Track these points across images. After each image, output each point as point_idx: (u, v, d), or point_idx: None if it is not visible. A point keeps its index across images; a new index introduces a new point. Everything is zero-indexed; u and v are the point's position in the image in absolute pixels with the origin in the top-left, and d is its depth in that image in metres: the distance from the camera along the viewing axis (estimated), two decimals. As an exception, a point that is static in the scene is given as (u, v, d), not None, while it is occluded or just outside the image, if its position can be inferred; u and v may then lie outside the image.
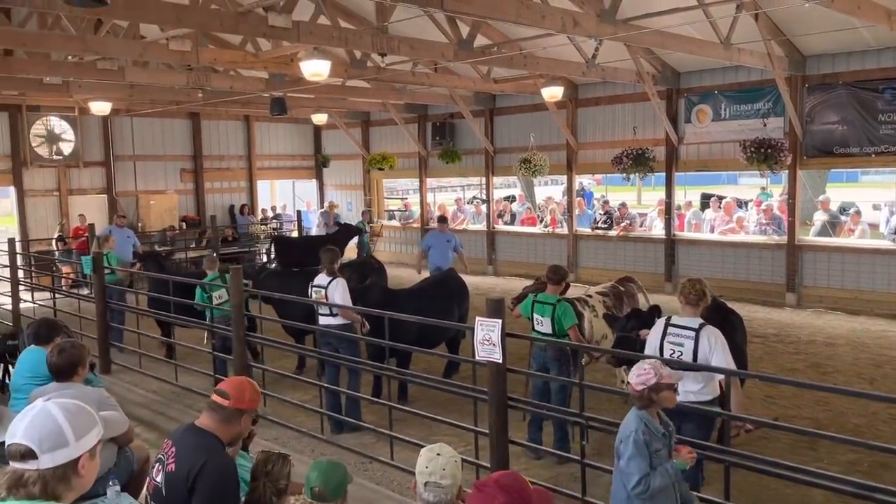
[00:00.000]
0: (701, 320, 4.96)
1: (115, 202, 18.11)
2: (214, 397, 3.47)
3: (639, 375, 3.82)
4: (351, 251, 16.94)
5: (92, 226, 15.02)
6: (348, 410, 7.08)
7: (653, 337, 5.09)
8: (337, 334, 7.17)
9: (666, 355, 4.92)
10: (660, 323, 5.11)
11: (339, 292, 7.25)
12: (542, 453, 6.16)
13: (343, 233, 15.98)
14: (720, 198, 16.17)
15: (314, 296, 7.41)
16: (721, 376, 4.78)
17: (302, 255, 15.00)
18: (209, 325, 8.57)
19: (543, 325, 6.46)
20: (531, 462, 6.25)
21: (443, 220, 13.40)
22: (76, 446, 2.27)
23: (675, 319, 5.02)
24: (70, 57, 11.64)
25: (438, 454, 3.07)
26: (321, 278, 7.44)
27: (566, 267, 15.56)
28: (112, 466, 4.45)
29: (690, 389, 4.86)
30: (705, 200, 17.65)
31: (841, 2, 7.90)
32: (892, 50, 11.54)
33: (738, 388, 4.79)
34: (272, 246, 16.63)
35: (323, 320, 7.33)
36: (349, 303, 7.28)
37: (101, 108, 14.48)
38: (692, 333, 4.85)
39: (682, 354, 4.86)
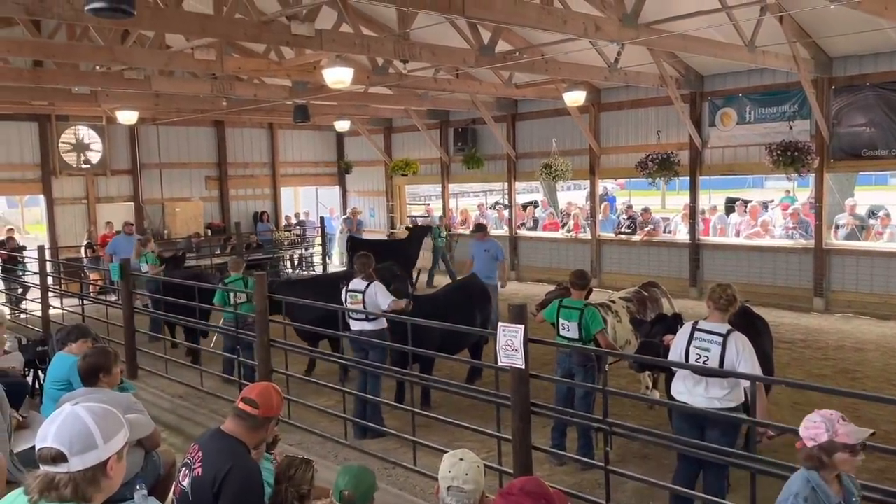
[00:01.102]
0: (729, 326, 4.90)
1: (141, 209, 18.37)
2: (242, 405, 3.48)
3: (807, 429, 3.13)
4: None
5: (118, 233, 15.25)
6: (371, 416, 7.10)
7: (679, 341, 5.04)
8: (370, 341, 7.15)
9: (692, 360, 4.87)
10: (687, 327, 5.06)
11: (381, 294, 7.18)
12: (566, 459, 6.13)
13: (416, 234, 15.94)
14: (746, 202, 15.99)
15: (349, 300, 7.31)
16: (747, 383, 4.72)
17: (376, 256, 15.18)
18: (227, 329, 8.62)
19: (570, 330, 6.42)
20: (554, 468, 6.22)
21: (480, 228, 12.10)
22: (105, 448, 2.31)
23: (702, 324, 4.97)
24: (98, 67, 11.85)
25: (461, 459, 3.08)
26: (357, 283, 7.32)
27: (590, 272, 15.55)
28: (139, 470, 4.51)
29: (715, 395, 4.81)
30: (730, 204, 17.44)
31: (868, 3, 7.78)
32: (921, 50, 11.36)
33: (762, 395, 4.73)
34: (348, 246, 16.69)
35: (356, 325, 7.27)
36: (392, 302, 7.23)
37: (127, 117, 14.71)
38: (719, 339, 4.80)
39: (707, 360, 4.80)
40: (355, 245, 16.29)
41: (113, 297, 12.26)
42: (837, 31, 11.16)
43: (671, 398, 5.30)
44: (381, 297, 7.18)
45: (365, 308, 7.17)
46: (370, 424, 6.95)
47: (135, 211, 18.29)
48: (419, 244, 15.69)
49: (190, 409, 8.19)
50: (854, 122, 12.21)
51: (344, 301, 7.42)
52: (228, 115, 17.71)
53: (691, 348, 4.90)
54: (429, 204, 23.97)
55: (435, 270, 17.34)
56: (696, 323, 5.03)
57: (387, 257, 14.92)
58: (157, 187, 18.88)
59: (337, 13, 10.07)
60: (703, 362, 4.82)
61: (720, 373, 4.75)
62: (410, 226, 17.93)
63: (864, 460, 6.15)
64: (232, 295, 8.74)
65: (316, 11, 8.88)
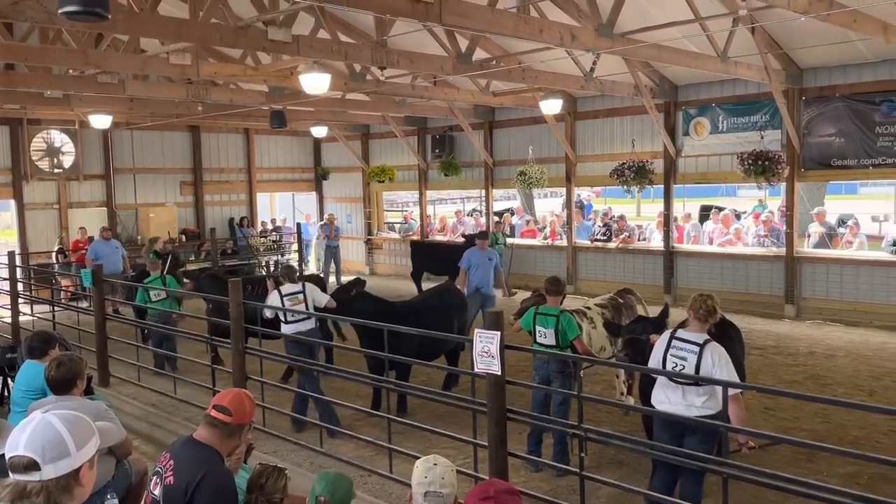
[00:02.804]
0: (706, 336, 4.94)
1: (114, 215, 18.15)
2: (214, 413, 3.43)
3: None
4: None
5: (91, 238, 15.06)
6: (324, 416, 7.17)
7: (657, 349, 5.09)
8: (305, 340, 7.49)
9: (668, 368, 4.92)
10: (665, 335, 5.11)
11: (318, 293, 7.83)
12: (541, 465, 6.16)
13: (469, 242, 15.57)
14: (719, 209, 16.21)
15: (289, 302, 7.68)
16: (731, 393, 4.77)
17: (436, 260, 15.17)
18: (207, 338, 8.58)
19: (546, 336, 6.44)
20: (530, 474, 6.24)
21: (483, 235, 11.77)
22: (77, 456, 2.29)
23: (680, 333, 5.02)
24: (71, 71, 11.71)
25: (435, 464, 3.09)
26: (290, 286, 7.77)
27: (566, 279, 15.61)
28: (110, 479, 4.44)
29: (693, 403, 4.85)
30: (704, 213, 17.67)
31: (837, 15, 7.96)
32: (889, 63, 11.61)
33: (740, 402, 4.77)
34: (411, 250, 16.55)
35: (290, 328, 7.65)
36: (329, 299, 7.94)
37: (101, 121, 14.54)
38: (696, 348, 4.84)
39: (684, 368, 4.84)
40: (418, 248, 16.43)
41: (85, 304, 12.09)
42: (808, 43, 11.38)
43: (647, 405, 5.35)
44: (318, 295, 7.80)
45: (307, 308, 7.67)
46: (337, 428, 6.99)
47: (108, 216, 18.06)
48: None
49: (162, 417, 8.09)
50: (824, 133, 12.44)
51: (282, 304, 7.66)
52: (204, 120, 17.57)
53: (668, 356, 4.94)
54: (406, 211, 23.97)
55: None
56: (674, 331, 5.08)
57: (445, 261, 14.68)
58: (131, 192, 18.67)
59: (314, 19, 10.07)
60: (680, 370, 4.86)
61: (695, 378, 4.79)
62: (464, 233, 17.22)
63: (834, 465, 6.26)
64: (153, 294, 9.80)
65: (293, 17, 8.86)
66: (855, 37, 10.19)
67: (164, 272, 10.28)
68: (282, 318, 7.79)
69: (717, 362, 4.78)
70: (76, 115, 15.93)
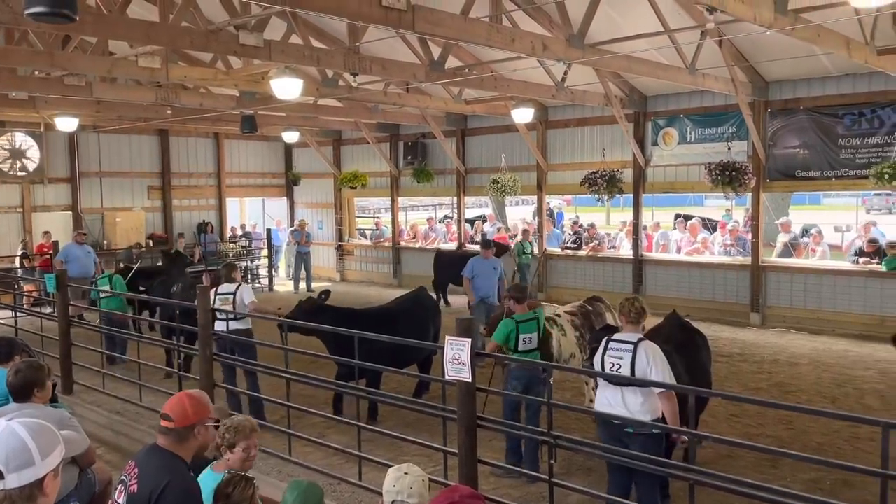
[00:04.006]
0: (640, 335, 5.06)
1: (80, 219, 17.83)
2: (162, 422, 3.42)
3: None
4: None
5: (56, 243, 14.78)
6: (253, 410, 7.39)
7: (597, 353, 5.19)
8: (239, 339, 7.73)
9: (606, 369, 5.00)
10: (603, 340, 5.21)
11: (247, 294, 8.17)
12: (511, 472, 6.16)
13: (498, 253, 14.75)
14: (686, 218, 16.43)
15: (219, 302, 7.96)
16: (659, 391, 4.87)
17: (460, 270, 14.64)
18: (174, 344, 8.47)
19: (531, 342, 6.54)
20: (500, 481, 6.24)
21: (487, 244, 11.33)
22: (42, 465, 2.24)
23: (616, 335, 5.14)
24: (37, 72, 11.50)
25: (406, 473, 3.09)
26: (226, 287, 8.15)
27: (537, 286, 15.70)
28: (73, 489, 4.36)
29: (633, 408, 4.93)
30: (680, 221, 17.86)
31: (801, 30, 8.13)
32: (851, 77, 11.90)
33: (672, 400, 4.87)
34: (434, 261, 15.79)
35: (222, 325, 7.86)
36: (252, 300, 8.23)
37: (67, 123, 14.30)
38: (630, 347, 4.95)
39: (620, 368, 4.95)
40: (442, 259, 15.93)
41: (48, 310, 11.85)
42: (773, 57, 11.62)
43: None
44: (246, 296, 8.15)
45: (234, 309, 7.98)
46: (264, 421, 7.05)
47: (73, 220, 17.74)
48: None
49: (128, 425, 7.95)
50: (788, 144, 12.70)
51: (213, 303, 7.87)
52: (173, 124, 17.34)
53: (605, 358, 5.05)
54: (377, 217, 23.92)
55: None
56: (611, 335, 5.18)
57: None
58: (97, 196, 18.36)
59: (286, 24, 10.03)
60: (617, 371, 4.95)
61: (638, 381, 4.87)
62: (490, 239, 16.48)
63: (798, 471, 6.37)
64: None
65: (265, 22, 8.81)
66: (819, 51, 10.44)
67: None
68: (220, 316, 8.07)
69: (651, 359, 4.89)
70: (41, 118, 15.63)
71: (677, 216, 18.86)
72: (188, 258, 15.22)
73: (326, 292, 8.44)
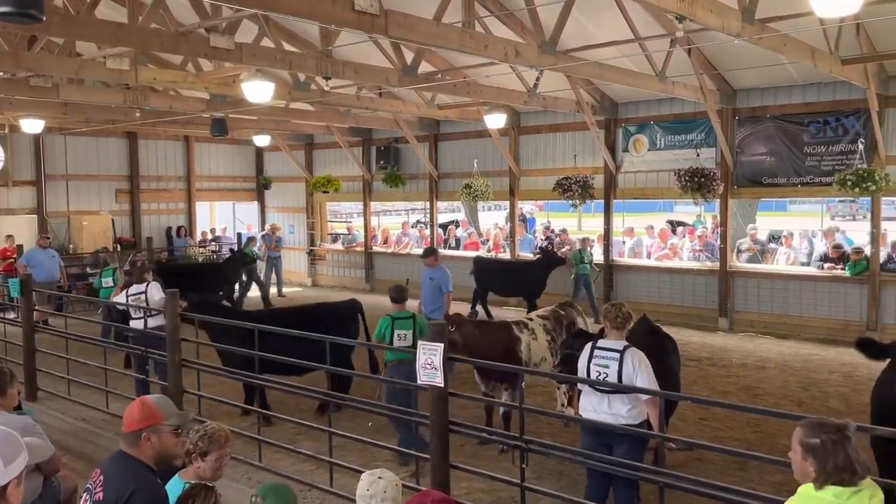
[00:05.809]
0: (625, 342, 5.07)
1: (45, 222, 17.50)
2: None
3: None
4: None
5: (20, 247, 14.49)
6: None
7: (581, 360, 5.19)
8: (154, 334, 7.97)
9: (592, 377, 5.02)
10: (588, 346, 5.21)
11: (156, 291, 8.34)
12: (483, 476, 6.16)
13: (544, 260, 14.34)
14: (682, 224, 16.52)
15: (132, 302, 8.38)
16: (646, 397, 4.90)
17: (503, 279, 14.42)
18: (142, 351, 8.33)
19: (406, 338, 7.12)
20: (472, 486, 6.24)
21: (429, 252, 10.37)
22: (4, 473, 2.20)
23: (600, 342, 5.13)
24: (1, 73, 11.27)
25: (380, 478, 3.08)
26: (136, 287, 8.55)
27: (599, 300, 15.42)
28: (36, 497, 4.27)
29: (619, 412, 4.95)
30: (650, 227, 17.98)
31: (768, 39, 8.28)
32: (817, 85, 12.14)
33: (656, 406, 4.91)
34: (474, 267, 14.73)
35: (137, 323, 8.32)
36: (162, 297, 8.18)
37: (33, 125, 14.02)
38: (616, 355, 4.96)
39: (607, 376, 4.96)
40: (481, 265, 14.81)
41: (12, 315, 11.59)
42: (741, 65, 11.83)
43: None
44: (156, 293, 8.35)
45: (147, 305, 8.30)
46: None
47: (38, 224, 17.40)
48: (546, 271, 14.07)
49: (94, 433, 7.81)
50: (756, 152, 12.92)
51: (126, 302, 8.43)
52: (142, 127, 17.12)
53: (591, 366, 5.05)
54: (350, 222, 23.81)
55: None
56: (595, 341, 5.19)
57: (507, 281, 14.18)
58: (63, 200, 18.03)
59: (258, 27, 9.96)
60: (603, 379, 4.97)
61: (625, 388, 4.89)
62: (541, 247, 15.57)
63: (765, 473, 6.45)
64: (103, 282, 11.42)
65: (236, 24, 8.75)
66: (785, 60, 10.63)
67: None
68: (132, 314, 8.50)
69: (638, 367, 4.91)
70: (6, 119, 15.32)
71: (670, 223, 18.94)
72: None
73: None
